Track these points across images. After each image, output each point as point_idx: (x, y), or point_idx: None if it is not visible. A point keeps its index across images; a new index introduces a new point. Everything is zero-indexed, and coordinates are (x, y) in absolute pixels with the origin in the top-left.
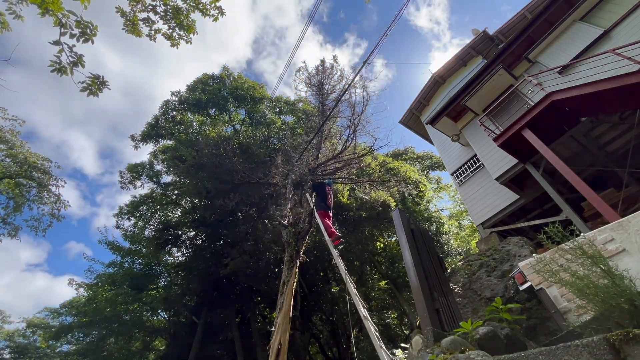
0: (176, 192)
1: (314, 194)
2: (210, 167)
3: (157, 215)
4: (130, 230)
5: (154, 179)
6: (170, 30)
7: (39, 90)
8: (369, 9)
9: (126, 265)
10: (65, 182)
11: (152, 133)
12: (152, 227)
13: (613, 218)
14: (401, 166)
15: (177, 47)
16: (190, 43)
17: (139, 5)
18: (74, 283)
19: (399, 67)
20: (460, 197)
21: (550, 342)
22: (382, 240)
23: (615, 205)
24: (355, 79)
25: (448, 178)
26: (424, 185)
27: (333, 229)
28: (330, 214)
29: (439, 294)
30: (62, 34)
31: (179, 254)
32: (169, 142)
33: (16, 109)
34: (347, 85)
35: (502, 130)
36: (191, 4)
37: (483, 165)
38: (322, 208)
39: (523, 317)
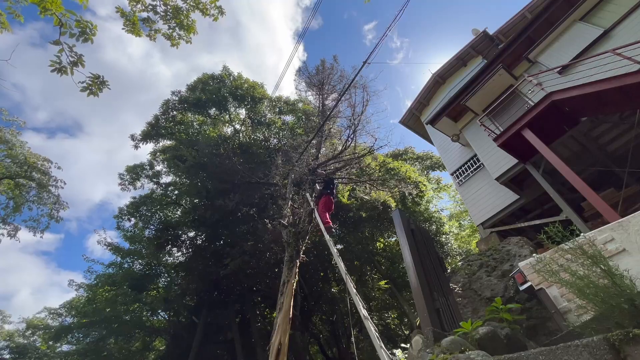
0: (176, 192)
1: (316, 186)
2: (210, 167)
3: (157, 216)
4: (130, 231)
5: (154, 180)
6: (170, 30)
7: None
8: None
9: (126, 265)
10: (65, 183)
11: (152, 132)
12: (152, 227)
13: (613, 218)
14: (401, 166)
15: (177, 47)
16: (190, 43)
17: (139, 5)
18: (74, 283)
19: (399, 67)
20: (460, 197)
21: (550, 342)
22: (382, 240)
23: (615, 205)
24: (355, 79)
25: (448, 178)
26: (424, 185)
27: (328, 219)
28: (332, 203)
29: (439, 294)
30: (61, 34)
31: (179, 254)
32: (169, 142)
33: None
34: (347, 85)
35: (502, 130)
36: (191, 3)
37: (483, 165)
38: (326, 194)
39: (523, 317)
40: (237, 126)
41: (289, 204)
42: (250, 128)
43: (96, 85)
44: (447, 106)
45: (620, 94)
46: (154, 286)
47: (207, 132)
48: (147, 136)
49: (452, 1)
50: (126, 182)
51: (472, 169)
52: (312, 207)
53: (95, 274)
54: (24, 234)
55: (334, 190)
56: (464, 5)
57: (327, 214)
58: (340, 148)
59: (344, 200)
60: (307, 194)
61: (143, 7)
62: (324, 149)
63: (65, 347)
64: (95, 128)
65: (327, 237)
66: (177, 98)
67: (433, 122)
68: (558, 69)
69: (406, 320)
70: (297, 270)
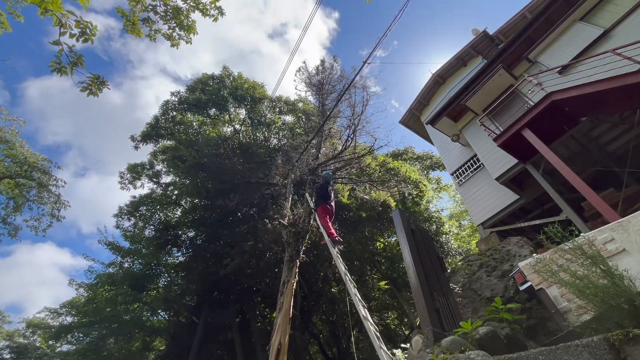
0: (176, 192)
1: (313, 195)
2: (210, 167)
3: (157, 216)
4: (130, 231)
5: (154, 179)
6: (170, 31)
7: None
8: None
9: (126, 265)
10: (65, 182)
11: (152, 133)
12: (152, 227)
13: (613, 218)
14: (401, 166)
15: (177, 47)
16: (190, 43)
17: (139, 6)
18: (74, 283)
19: (399, 67)
20: (460, 197)
21: (550, 342)
22: (382, 240)
23: (615, 205)
24: (355, 79)
25: (448, 178)
26: (424, 185)
27: (332, 230)
28: (332, 210)
29: (439, 294)
30: (61, 34)
31: (179, 254)
32: (169, 142)
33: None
34: (347, 85)
35: (502, 130)
36: (191, 4)
37: (483, 165)
38: (322, 203)
39: (523, 317)
40: (237, 126)
41: (289, 203)
42: (250, 128)
43: (96, 85)
44: (447, 106)
45: (620, 94)
46: (154, 286)
47: (207, 132)
48: (146, 137)
49: (452, 1)
50: (126, 181)
51: (472, 169)
52: (312, 207)
53: (95, 273)
54: (57, 254)
55: (332, 194)
56: (464, 5)
57: (330, 222)
58: (340, 148)
59: (344, 200)
60: (307, 194)
61: (143, 8)
62: (324, 148)
63: (65, 347)
64: (119, 146)
65: (331, 249)
66: (176, 99)
67: (433, 122)
68: (558, 69)
69: (406, 320)
70: (297, 270)
